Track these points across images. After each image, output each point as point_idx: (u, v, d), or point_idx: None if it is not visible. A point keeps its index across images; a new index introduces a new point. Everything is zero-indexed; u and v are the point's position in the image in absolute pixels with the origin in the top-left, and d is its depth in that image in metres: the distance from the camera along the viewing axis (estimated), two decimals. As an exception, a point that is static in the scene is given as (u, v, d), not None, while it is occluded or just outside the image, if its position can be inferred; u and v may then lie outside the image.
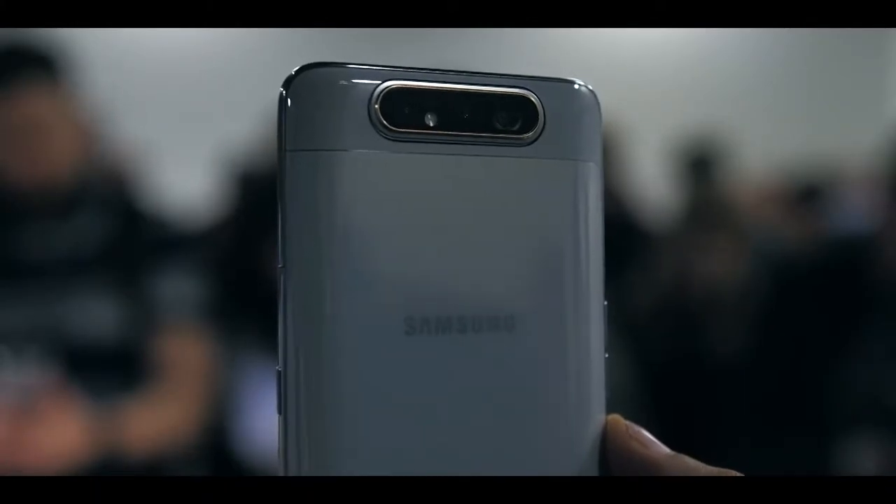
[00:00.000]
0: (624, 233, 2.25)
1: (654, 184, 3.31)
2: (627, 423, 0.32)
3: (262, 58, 4.23)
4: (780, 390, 1.81)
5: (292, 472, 0.30)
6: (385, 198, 0.30)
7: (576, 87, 0.34)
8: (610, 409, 0.33)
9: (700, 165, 2.99)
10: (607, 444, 0.32)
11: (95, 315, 1.23)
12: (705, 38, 5.10)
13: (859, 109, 5.13)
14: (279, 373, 0.30)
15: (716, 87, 5.16)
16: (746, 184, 2.75)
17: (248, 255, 2.06)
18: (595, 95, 0.34)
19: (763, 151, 3.91)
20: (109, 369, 1.24)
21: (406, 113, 0.31)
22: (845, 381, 1.69)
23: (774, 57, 5.27)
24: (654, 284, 2.03)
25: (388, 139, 0.31)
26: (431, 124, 0.31)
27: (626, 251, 2.12)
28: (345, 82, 0.30)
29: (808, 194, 3.03)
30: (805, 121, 4.99)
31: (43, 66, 1.27)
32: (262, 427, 1.76)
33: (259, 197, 2.29)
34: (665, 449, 0.31)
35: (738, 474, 0.30)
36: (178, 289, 1.28)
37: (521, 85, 0.33)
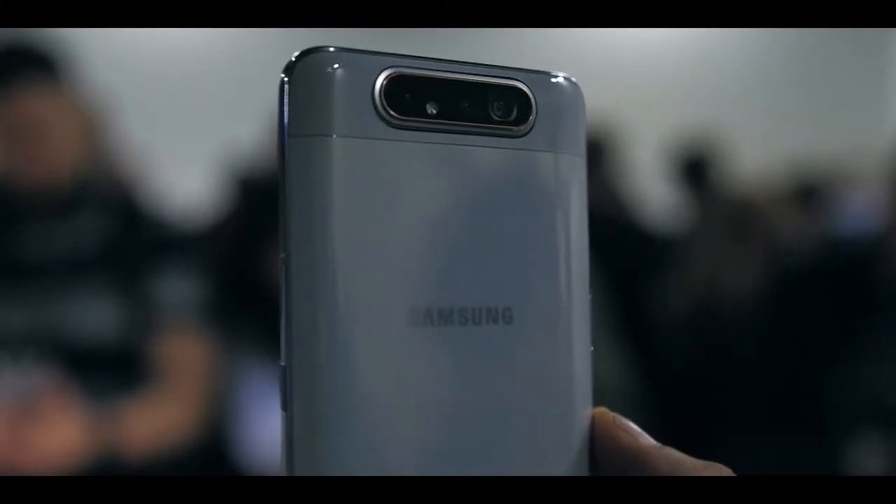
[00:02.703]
0: (623, 234, 2.25)
1: (654, 184, 3.31)
2: (615, 414, 0.33)
3: (262, 58, 4.23)
4: (783, 390, 1.82)
5: (297, 468, 0.29)
6: (388, 186, 0.30)
7: (562, 79, 0.34)
8: (612, 407, 0.33)
9: (700, 166, 2.99)
10: (595, 436, 0.33)
11: (95, 315, 1.23)
12: (705, 38, 5.10)
13: (859, 109, 5.13)
14: (283, 368, 0.30)
15: (716, 88, 5.15)
16: (758, 187, 2.75)
17: (248, 256, 2.06)
18: (579, 88, 0.34)
19: (764, 152, 3.91)
20: (109, 370, 1.23)
21: (408, 101, 0.31)
22: (847, 381, 1.69)
23: (774, 57, 5.27)
24: (665, 287, 2.04)
25: (391, 126, 0.30)
26: (432, 112, 0.31)
27: (628, 253, 2.12)
28: (347, 68, 0.30)
29: (809, 195, 3.03)
30: (805, 121, 4.99)
31: (43, 66, 1.27)
32: (261, 428, 1.76)
33: (259, 198, 2.29)
34: (651, 440, 0.32)
35: (724, 467, 0.30)
36: (178, 289, 1.28)
37: (514, 77, 0.33)
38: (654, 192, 3.29)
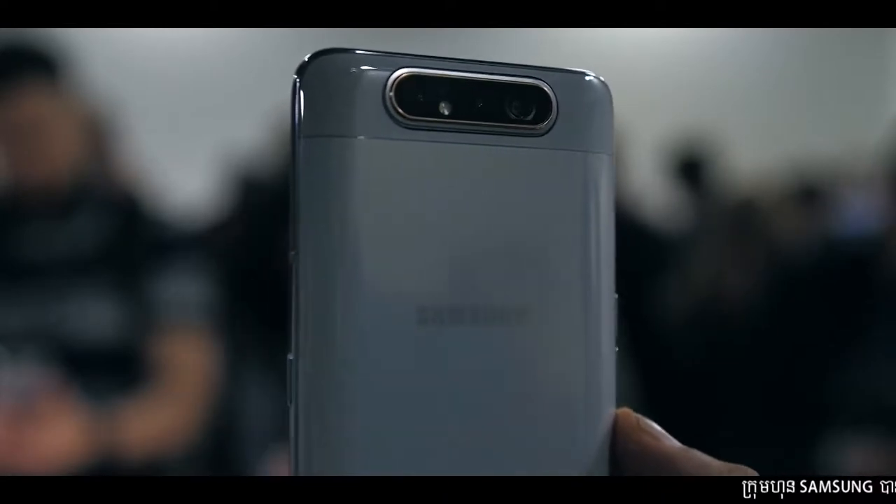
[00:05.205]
0: (624, 234, 2.25)
1: (654, 184, 3.31)
2: (638, 416, 0.32)
3: (263, 58, 4.23)
4: (783, 389, 1.82)
5: (302, 464, 0.29)
6: (398, 186, 0.30)
7: (588, 77, 0.33)
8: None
9: (699, 166, 2.99)
10: (618, 438, 0.32)
11: (94, 316, 1.23)
12: (705, 39, 5.10)
13: (860, 109, 5.12)
14: (290, 362, 0.30)
15: (716, 88, 5.15)
16: (759, 187, 2.76)
17: (249, 257, 2.06)
18: (606, 86, 0.34)
19: (764, 152, 3.91)
20: (108, 371, 1.23)
21: (421, 101, 0.31)
22: (847, 381, 1.69)
23: (774, 57, 5.27)
24: (666, 287, 2.04)
25: (403, 127, 0.30)
26: (446, 113, 0.31)
27: (629, 253, 2.12)
28: (359, 69, 0.30)
29: (810, 195, 3.03)
30: (806, 121, 4.99)
31: (43, 66, 1.27)
32: (261, 429, 1.76)
33: (259, 197, 2.29)
34: (676, 442, 0.31)
35: (750, 470, 0.30)
36: (178, 290, 1.28)
37: (534, 75, 0.32)
38: (654, 192, 3.29)
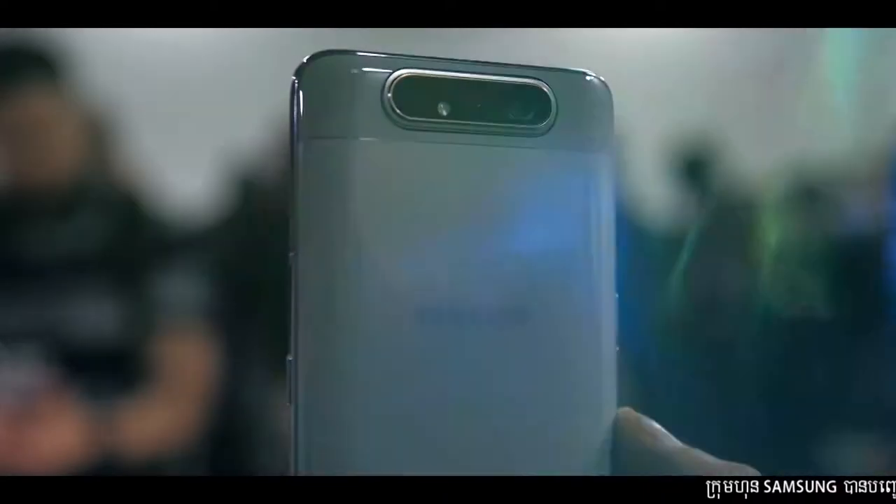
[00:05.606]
0: (625, 234, 2.25)
1: (654, 184, 3.31)
2: (639, 415, 0.32)
3: (263, 58, 4.23)
4: (783, 390, 1.81)
5: (302, 464, 0.30)
6: (397, 187, 0.30)
7: (588, 77, 0.34)
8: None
9: (700, 165, 2.99)
10: (619, 437, 0.32)
11: (95, 316, 1.23)
12: (705, 38, 5.10)
13: (860, 109, 5.12)
14: (290, 362, 0.30)
15: (716, 88, 5.15)
16: (759, 187, 2.76)
17: (249, 257, 2.06)
18: (607, 86, 0.34)
19: (765, 152, 3.90)
20: (108, 371, 1.23)
21: (419, 102, 0.31)
22: (848, 381, 1.69)
23: (774, 57, 5.26)
24: (666, 287, 2.04)
25: (401, 128, 0.31)
26: (444, 114, 0.31)
27: (631, 253, 2.12)
28: (357, 70, 0.31)
29: (810, 195, 3.03)
30: (806, 121, 4.98)
31: (43, 66, 1.27)
32: (262, 429, 1.76)
33: (259, 198, 2.29)
34: (677, 442, 0.31)
35: (751, 469, 0.30)
36: (179, 291, 1.28)
37: (534, 75, 0.32)
38: (654, 192, 3.29)
